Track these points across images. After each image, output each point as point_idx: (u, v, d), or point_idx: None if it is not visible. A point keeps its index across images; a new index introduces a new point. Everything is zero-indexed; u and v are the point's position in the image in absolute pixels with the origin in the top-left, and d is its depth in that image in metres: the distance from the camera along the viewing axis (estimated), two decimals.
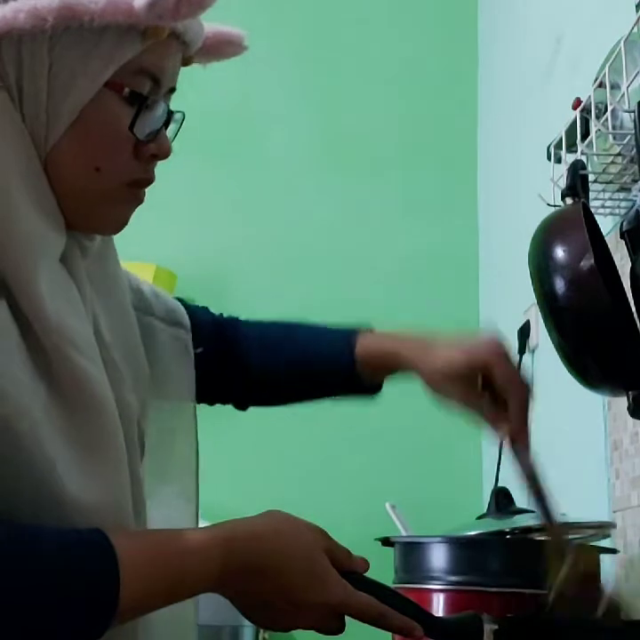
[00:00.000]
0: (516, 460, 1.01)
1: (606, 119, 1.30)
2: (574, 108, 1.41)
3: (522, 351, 2.05)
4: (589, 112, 1.35)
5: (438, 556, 1.17)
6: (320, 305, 2.51)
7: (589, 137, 1.34)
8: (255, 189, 2.62)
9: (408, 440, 2.39)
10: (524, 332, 2.06)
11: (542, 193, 1.40)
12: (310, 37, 2.74)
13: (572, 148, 1.42)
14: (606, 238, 1.23)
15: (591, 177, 1.34)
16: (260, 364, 1.10)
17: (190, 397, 1.03)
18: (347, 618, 0.81)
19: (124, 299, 0.92)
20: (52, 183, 0.79)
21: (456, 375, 1.00)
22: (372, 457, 2.43)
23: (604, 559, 1.26)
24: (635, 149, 1.14)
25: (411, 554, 1.22)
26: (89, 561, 0.70)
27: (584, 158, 1.33)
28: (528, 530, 1.22)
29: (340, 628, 0.81)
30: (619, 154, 1.32)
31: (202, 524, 0.83)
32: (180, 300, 1.08)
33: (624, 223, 1.11)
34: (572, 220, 1.12)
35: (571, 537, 1.30)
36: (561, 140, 1.46)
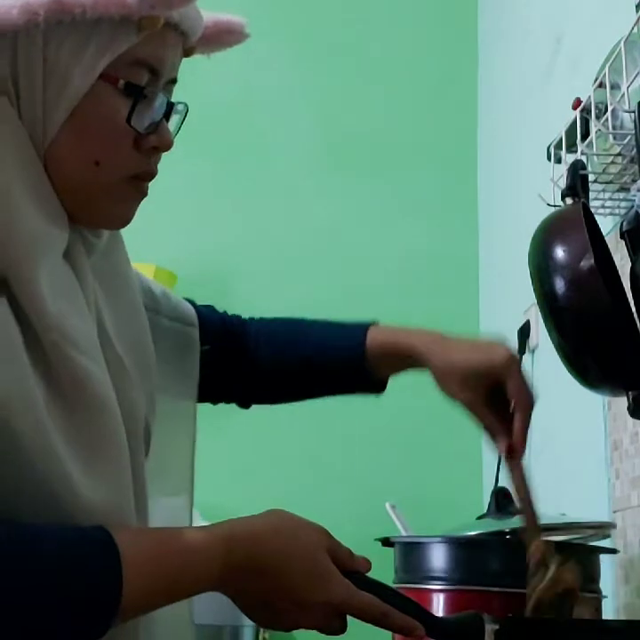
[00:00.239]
0: (510, 473, 1.02)
1: (606, 119, 1.30)
2: (574, 108, 1.41)
3: (522, 351, 2.05)
4: (589, 112, 1.35)
5: (438, 557, 1.17)
6: (320, 304, 2.51)
7: (589, 137, 1.34)
8: (255, 189, 2.62)
9: (408, 440, 2.39)
10: (524, 332, 2.06)
11: (542, 193, 1.40)
12: (310, 37, 2.74)
13: (572, 148, 1.42)
14: (606, 238, 1.23)
15: (591, 177, 1.34)
16: (269, 359, 1.10)
17: (192, 395, 1.03)
18: (347, 617, 0.81)
19: (133, 295, 0.91)
20: (52, 179, 0.79)
21: (471, 376, 1.00)
22: (372, 457, 2.43)
23: (604, 559, 1.25)
24: (635, 149, 1.14)
25: (411, 554, 1.22)
26: (92, 559, 0.70)
27: (584, 158, 1.33)
28: None
29: (342, 628, 0.81)
30: (619, 154, 1.32)
31: (202, 524, 0.83)
32: (188, 300, 1.08)
33: (624, 223, 1.11)
34: (571, 220, 1.12)
35: (570, 539, 1.30)
36: (561, 140, 1.46)
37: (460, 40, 2.75)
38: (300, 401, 1.14)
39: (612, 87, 1.28)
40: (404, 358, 1.04)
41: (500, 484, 1.38)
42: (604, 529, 1.34)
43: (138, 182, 0.83)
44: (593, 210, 1.30)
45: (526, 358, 2.04)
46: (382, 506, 1.54)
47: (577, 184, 1.19)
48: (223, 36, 0.91)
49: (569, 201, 1.18)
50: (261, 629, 2.09)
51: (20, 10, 0.74)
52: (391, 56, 2.72)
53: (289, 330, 1.12)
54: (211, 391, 1.08)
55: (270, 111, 2.67)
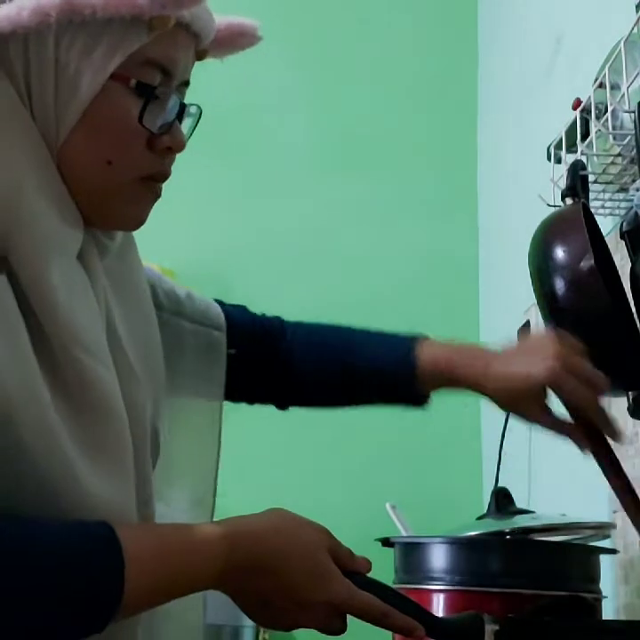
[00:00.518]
0: (604, 473, 1.02)
1: (606, 119, 1.30)
2: (574, 108, 1.41)
3: None
4: (589, 112, 1.35)
5: (438, 557, 1.17)
6: (320, 304, 2.51)
7: (589, 137, 1.34)
8: (255, 189, 2.62)
9: (408, 440, 2.39)
10: (524, 333, 2.06)
11: (542, 193, 1.40)
12: (310, 38, 2.74)
13: (572, 148, 1.42)
14: (606, 239, 1.23)
15: (591, 177, 1.34)
16: (308, 363, 1.09)
17: (218, 397, 1.03)
18: (347, 617, 0.81)
19: (144, 299, 0.91)
20: (66, 180, 0.79)
21: (521, 395, 0.99)
22: (372, 457, 2.43)
23: (604, 559, 1.25)
24: (635, 150, 1.14)
25: (411, 554, 1.22)
26: (95, 554, 0.70)
27: (584, 159, 1.33)
28: (528, 530, 1.22)
29: (342, 628, 0.81)
30: (619, 154, 1.32)
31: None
32: (218, 301, 1.08)
33: (624, 224, 1.11)
34: (571, 221, 1.12)
35: (570, 539, 1.30)
36: (561, 140, 1.46)
37: (460, 40, 2.75)
38: (338, 408, 1.13)
39: (612, 87, 1.28)
40: (454, 381, 1.03)
41: (500, 485, 1.38)
42: (603, 529, 1.34)
43: (151, 183, 0.84)
44: (593, 210, 1.30)
45: None
46: (382, 506, 1.54)
47: (577, 184, 1.19)
48: (236, 39, 0.91)
49: (569, 201, 1.18)
50: (261, 629, 2.09)
51: (31, 11, 0.74)
52: (391, 56, 2.72)
53: (331, 334, 1.11)
54: (243, 392, 1.08)
55: (270, 111, 2.68)
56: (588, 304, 1.06)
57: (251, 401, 1.12)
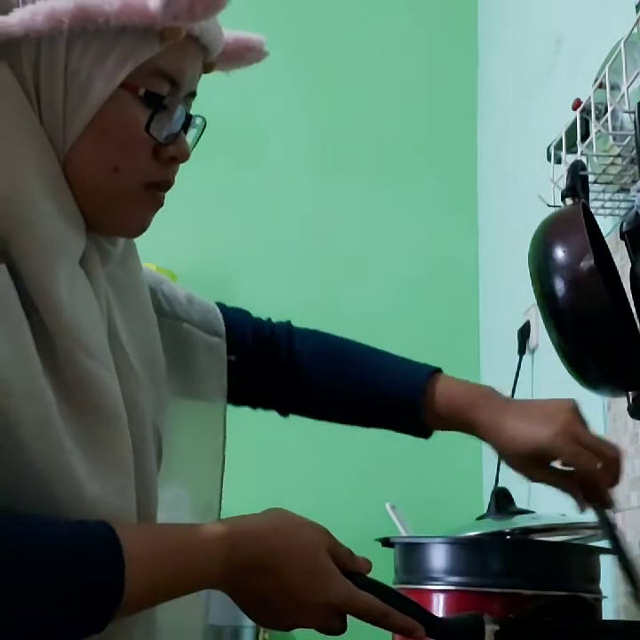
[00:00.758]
0: (603, 532, 1.04)
1: (606, 120, 1.30)
2: (574, 108, 1.41)
3: (522, 352, 2.05)
4: (589, 113, 1.35)
5: (438, 557, 1.17)
6: (320, 305, 2.52)
7: (589, 138, 1.34)
8: (255, 190, 2.62)
9: (408, 440, 2.38)
10: (524, 333, 2.06)
11: (542, 194, 1.40)
12: (310, 38, 2.74)
13: (571, 148, 1.42)
14: (606, 239, 1.23)
15: (591, 178, 1.34)
16: (321, 376, 1.09)
17: (221, 401, 1.03)
18: (347, 617, 0.81)
19: (145, 304, 0.92)
20: (71, 184, 0.79)
21: (525, 457, 1.00)
22: (372, 457, 2.42)
23: (604, 560, 1.25)
24: (635, 150, 1.14)
25: (411, 554, 1.22)
26: (95, 554, 0.70)
27: (584, 159, 1.33)
28: (528, 530, 1.22)
29: (342, 628, 0.81)
30: (619, 155, 1.32)
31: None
32: (219, 304, 1.08)
33: (624, 224, 1.11)
34: (571, 221, 1.12)
35: (570, 539, 1.30)
36: (561, 140, 1.46)
37: (460, 40, 2.75)
38: (340, 423, 1.12)
39: (612, 88, 1.28)
40: (460, 426, 1.04)
41: (500, 485, 1.38)
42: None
43: (155, 191, 0.84)
44: (593, 210, 1.30)
45: (526, 359, 2.05)
46: (382, 506, 1.54)
47: (577, 185, 1.19)
48: (243, 54, 0.92)
49: (569, 201, 1.19)
50: (261, 629, 2.09)
51: (44, 17, 0.75)
52: (391, 57, 2.72)
53: (346, 349, 1.10)
54: (245, 397, 1.08)
55: (270, 112, 2.68)
56: (588, 304, 1.06)
57: (253, 405, 1.13)
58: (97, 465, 0.75)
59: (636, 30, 1.22)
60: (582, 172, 1.22)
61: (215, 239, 2.59)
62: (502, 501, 1.31)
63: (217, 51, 0.86)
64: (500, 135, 2.51)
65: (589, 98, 1.36)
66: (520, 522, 1.24)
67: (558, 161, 1.47)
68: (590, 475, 1.00)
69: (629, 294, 1.11)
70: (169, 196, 0.87)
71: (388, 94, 2.70)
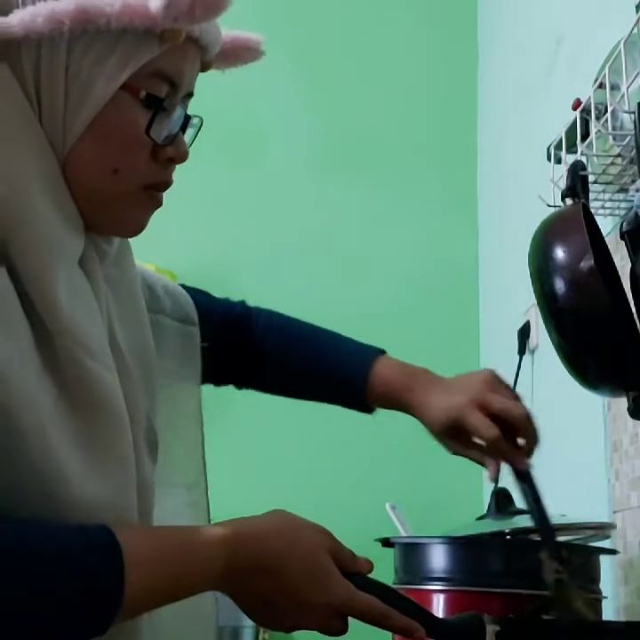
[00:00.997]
0: (518, 487, 1.07)
1: (606, 120, 1.30)
2: (574, 108, 1.41)
3: (522, 352, 2.05)
4: (589, 113, 1.35)
5: (438, 557, 1.17)
6: (320, 305, 2.51)
7: (589, 138, 1.34)
8: (255, 190, 2.62)
9: (408, 440, 2.38)
10: (524, 333, 2.06)
11: (542, 194, 1.40)
12: (309, 38, 2.74)
13: (571, 148, 1.42)
14: (606, 239, 1.23)
15: (591, 178, 1.34)
16: (274, 349, 1.13)
17: (197, 389, 1.04)
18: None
19: (139, 302, 0.92)
20: (70, 185, 0.79)
21: (445, 430, 1.07)
22: (372, 457, 2.43)
23: (604, 560, 1.25)
24: (635, 150, 1.14)
25: (411, 554, 1.22)
26: (95, 557, 0.70)
27: (584, 159, 1.33)
28: (528, 530, 1.21)
29: (343, 629, 0.81)
30: (618, 155, 1.32)
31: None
32: (183, 286, 1.09)
33: (624, 224, 1.11)
34: (571, 221, 1.12)
35: (570, 540, 1.30)
36: (561, 140, 1.46)
37: (460, 40, 2.75)
38: (292, 398, 1.18)
39: (612, 88, 1.28)
40: (397, 407, 1.11)
41: (500, 485, 1.38)
42: (604, 530, 1.34)
43: (153, 191, 0.85)
44: (593, 210, 1.30)
45: (526, 359, 2.05)
46: (382, 506, 1.54)
47: (577, 185, 1.19)
48: (240, 53, 0.92)
49: (569, 202, 1.19)
50: (261, 630, 2.09)
51: (45, 18, 0.75)
52: (391, 57, 2.72)
53: (300, 330, 1.16)
54: (210, 376, 1.09)
55: (269, 112, 2.68)
56: (587, 304, 1.06)
57: (216, 382, 1.15)
58: (97, 465, 0.75)
59: (636, 30, 1.22)
60: (582, 172, 1.22)
61: (215, 239, 2.59)
62: (502, 501, 1.31)
63: (215, 50, 0.87)
64: (500, 135, 2.51)
65: (589, 98, 1.36)
66: (520, 522, 1.24)
67: (558, 161, 1.47)
68: (493, 445, 1.04)
69: (629, 294, 1.11)
70: (169, 195, 0.87)
71: (387, 94, 2.70)
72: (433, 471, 2.42)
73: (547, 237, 1.12)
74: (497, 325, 2.41)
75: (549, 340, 1.14)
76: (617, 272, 1.20)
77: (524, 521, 1.25)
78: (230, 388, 1.18)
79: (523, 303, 2.04)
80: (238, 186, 2.62)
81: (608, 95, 1.27)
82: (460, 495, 2.33)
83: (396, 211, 2.63)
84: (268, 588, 0.78)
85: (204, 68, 0.88)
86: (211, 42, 0.84)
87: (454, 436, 1.07)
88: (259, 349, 1.13)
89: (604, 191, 1.42)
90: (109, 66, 0.78)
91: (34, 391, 0.71)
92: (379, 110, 2.68)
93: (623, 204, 1.44)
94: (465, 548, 1.17)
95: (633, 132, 1.15)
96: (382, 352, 1.12)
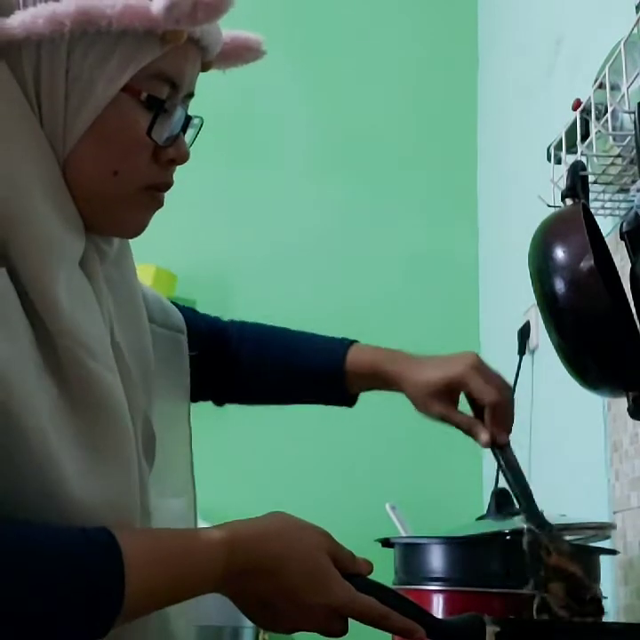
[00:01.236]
0: (498, 460, 1.08)
1: (606, 120, 1.30)
2: (574, 108, 1.41)
3: (522, 352, 2.05)
4: (589, 113, 1.35)
5: (438, 557, 1.17)
6: (320, 305, 2.52)
7: (589, 138, 1.34)
8: (255, 190, 2.62)
9: (408, 441, 2.39)
10: (524, 333, 2.06)
11: (542, 194, 1.40)
12: (309, 38, 2.74)
13: (571, 148, 1.42)
14: (606, 239, 1.23)
15: (591, 178, 1.34)
16: (249, 360, 1.14)
17: (186, 398, 1.04)
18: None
19: (138, 304, 0.92)
20: (70, 187, 0.79)
21: (435, 392, 1.08)
22: (372, 457, 2.42)
23: (604, 560, 1.25)
24: (635, 150, 1.14)
25: (411, 555, 1.22)
26: (95, 560, 0.70)
27: (584, 159, 1.33)
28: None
29: (343, 631, 0.81)
30: (619, 155, 1.32)
31: (202, 525, 0.84)
32: (173, 303, 1.09)
33: (624, 224, 1.11)
34: (571, 221, 1.12)
35: (570, 540, 1.30)
36: (561, 140, 1.46)
37: (460, 41, 2.75)
38: (273, 404, 1.19)
39: (612, 88, 1.28)
40: (378, 380, 1.12)
41: (499, 486, 1.38)
42: (604, 530, 1.34)
43: (154, 192, 0.85)
44: (593, 211, 1.30)
45: (526, 359, 2.05)
46: (382, 507, 1.54)
47: (577, 185, 1.19)
48: (240, 53, 0.92)
49: (569, 202, 1.18)
50: (261, 631, 2.09)
51: (45, 19, 0.75)
52: (391, 57, 2.72)
53: (272, 334, 1.17)
54: (192, 392, 1.09)
55: (269, 112, 2.67)
56: (587, 304, 1.06)
57: (194, 399, 1.13)
58: (98, 465, 0.75)
59: (636, 30, 1.22)
60: (582, 173, 1.22)
61: (215, 239, 2.59)
62: (502, 501, 1.31)
63: (215, 51, 0.87)
64: (500, 135, 2.51)
65: (589, 98, 1.36)
66: (520, 522, 1.24)
67: (558, 161, 1.46)
68: (498, 408, 1.06)
69: (629, 294, 1.11)
70: (169, 196, 0.87)
71: (387, 94, 2.70)
72: (433, 471, 2.43)
73: (547, 237, 1.12)
74: (497, 325, 2.41)
75: (549, 340, 1.14)
76: (617, 272, 1.20)
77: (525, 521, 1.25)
78: None
79: (523, 303, 2.04)
80: (238, 186, 2.62)
81: (608, 95, 1.27)
82: (460, 495, 2.33)
83: (396, 211, 2.63)
84: (267, 590, 0.78)
85: (205, 68, 0.87)
86: (211, 42, 0.84)
87: (441, 399, 1.08)
88: (234, 359, 1.14)
89: (604, 191, 1.42)
90: (110, 67, 0.78)
91: (34, 391, 0.71)
92: (379, 110, 2.68)
93: (623, 205, 1.44)
94: (465, 548, 1.17)
95: (633, 133, 1.15)
96: (355, 341, 1.14)
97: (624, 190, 1.40)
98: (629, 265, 1.10)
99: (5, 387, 0.69)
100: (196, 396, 1.12)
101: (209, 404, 1.17)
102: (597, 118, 1.33)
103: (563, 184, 1.22)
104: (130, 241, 0.92)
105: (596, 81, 1.35)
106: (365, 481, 2.39)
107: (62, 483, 0.71)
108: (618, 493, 1.52)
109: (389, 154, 2.66)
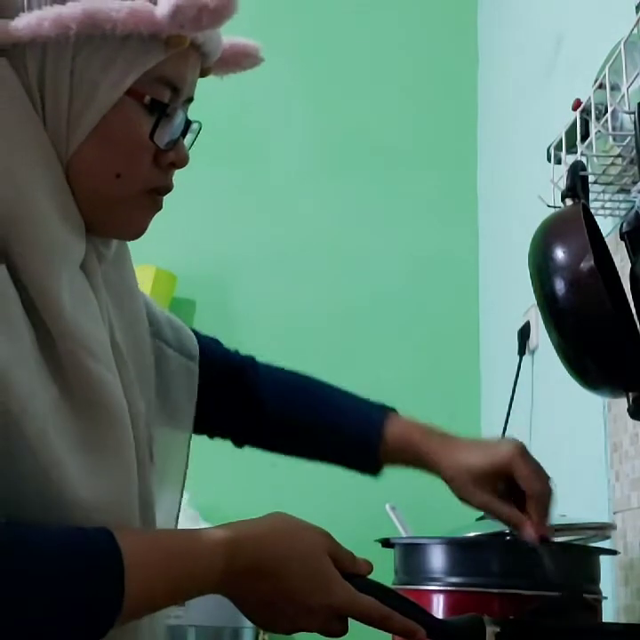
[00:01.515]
0: (542, 556, 1.03)
1: (606, 120, 1.30)
2: (574, 109, 1.41)
3: (522, 353, 2.05)
4: (589, 113, 1.35)
5: (438, 558, 1.17)
6: (320, 305, 2.52)
7: (589, 138, 1.34)
8: (255, 191, 2.62)
9: None
10: (524, 334, 2.06)
11: (542, 194, 1.40)
12: (309, 38, 2.74)
13: (571, 149, 1.42)
14: (606, 239, 1.23)
15: (591, 178, 1.34)
16: (279, 409, 1.10)
17: (188, 426, 1.03)
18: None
19: (137, 305, 0.92)
20: (72, 189, 0.80)
21: (477, 479, 1.03)
22: None
23: (604, 560, 1.25)
24: (635, 151, 1.14)
25: (411, 555, 1.22)
26: (94, 561, 0.70)
27: (584, 159, 1.33)
28: None
29: (343, 631, 0.81)
30: (619, 155, 1.32)
31: (202, 526, 0.84)
32: (193, 330, 1.08)
33: (624, 224, 1.11)
34: (571, 222, 1.12)
35: (570, 540, 1.30)
36: (561, 141, 1.46)
37: (460, 40, 2.75)
38: (294, 457, 1.16)
39: (612, 88, 1.28)
40: (414, 458, 1.07)
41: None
42: (604, 530, 1.34)
43: (154, 195, 0.85)
44: (593, 211, 1.30)
45: (526, 360, 2.05)
46: (382, 507, 1.54)
47: (577, 185, 1.19)
48: (239, 60, 0.92)
49: (569, 202, 1.18)
50: (261, 631, 2.09)
51: (51, 22, 0.75)
52: (391, 57, 2.72)
53: (304, 386, 1.13)
54: (206, 425, 1.08)
55: (269, 112, 2.68)
56: (588, 304, 1.05)
57: (211, 434, 1.12)
58: (98, 466, 0.75)
59: (636, 30, 1.22)
60: (582, 173, 1.22)
61: (215, 239, 2.59)
62: None
63: (215, 57, 0.87)
64: (500, 135, 2.51)
65: (589, 98, 1.36)
66: None
67: (558, 161, 1.46)
68: (543, 498, 1.02)
69: (629, 294, 1.11)
70: (169, 196, 0.87)
71: (387, 94, 2.70)
72: None
73: (547, 238, 1.12)
74: (497, 325, 2.41)
75: (549, 340, 1.14)
76: (617, 272, 1.20)
77: None
78: None
79: (523, 303, 2.04)
80: (238, 186, 2.62)
81: (608, 95, 1.27)
82: None
83: (396, 211, 2.63)
84: (267, 591, 0.78)
85: (203, 74, 0.88)
86: (213, 49, 0.85)
87: (482, 486, 1.04)
88: (259, 402, 1.10)
89: (604, 192, 1.42)
90: (114, 71, 0.78)
91: (34, 391, 0.71)
92: (379, 110, 2.68)
93: (623, 205, 1.44)
94: (465, 548, 1.17)
95: (633, 133, 1.15)
96: (393, 410, 1.10)
97: (624, 190, 1.40)
98: (629, 265, 1.10)
99: (5, 387, 0.69)
100: (212, 431, 1.11)
101: None
102: (597, 118, 1.33)
103: (563, 184, 1.22)
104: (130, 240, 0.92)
105: (595, 81, 1.35)
106: (365, 481, 2.38)
107: (62, 482, 0.71)
108: (618, 494, 1.52)
109: (389, 154, 2.66)
